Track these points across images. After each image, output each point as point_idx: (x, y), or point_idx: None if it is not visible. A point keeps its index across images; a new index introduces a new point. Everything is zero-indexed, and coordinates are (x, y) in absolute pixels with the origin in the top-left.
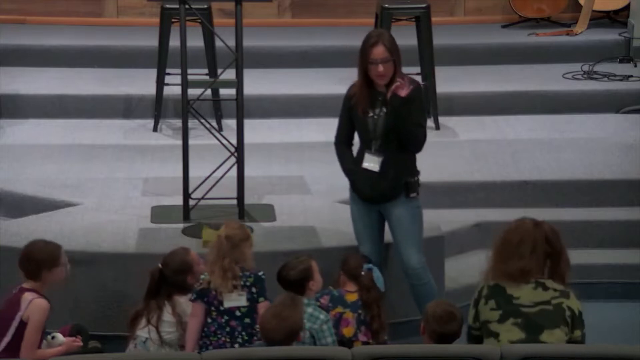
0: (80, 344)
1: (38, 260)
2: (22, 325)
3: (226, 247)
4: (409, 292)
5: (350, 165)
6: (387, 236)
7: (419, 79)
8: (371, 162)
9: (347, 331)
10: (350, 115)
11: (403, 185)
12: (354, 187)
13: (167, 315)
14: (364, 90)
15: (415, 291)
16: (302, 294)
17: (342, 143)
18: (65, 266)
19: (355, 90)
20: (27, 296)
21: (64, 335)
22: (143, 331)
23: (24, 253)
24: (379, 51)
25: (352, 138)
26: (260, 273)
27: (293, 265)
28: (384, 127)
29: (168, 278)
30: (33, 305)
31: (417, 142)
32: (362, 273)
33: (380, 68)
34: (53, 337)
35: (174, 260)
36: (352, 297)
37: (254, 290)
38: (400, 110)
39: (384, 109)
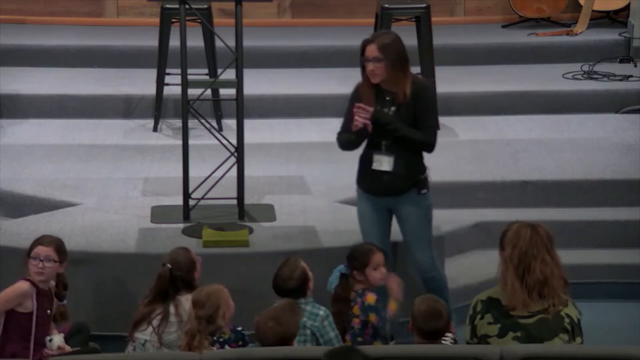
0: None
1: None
2: (10, 313)
3: (197, 326)
4: (422, 285)
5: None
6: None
7: None
8: (381, 163)
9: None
10: None
11: (414, 183)
12: (362, 185)
13: (172, 317)
14: (367, 89)
15: (425, 285)
16: (304, 296)
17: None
18: (33, 260)
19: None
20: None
21: (65, 333)
22: (142, 333)
23: None
24: (370, 49)
25: None
26: (239, 329)
27: (288, 275)
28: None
29: (178, 277)
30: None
31: (428, 144)
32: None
33: (370, 66)
34: (50, 340)
35: (183, 260)
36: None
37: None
38: (408, 109)
39: (393, 108)
